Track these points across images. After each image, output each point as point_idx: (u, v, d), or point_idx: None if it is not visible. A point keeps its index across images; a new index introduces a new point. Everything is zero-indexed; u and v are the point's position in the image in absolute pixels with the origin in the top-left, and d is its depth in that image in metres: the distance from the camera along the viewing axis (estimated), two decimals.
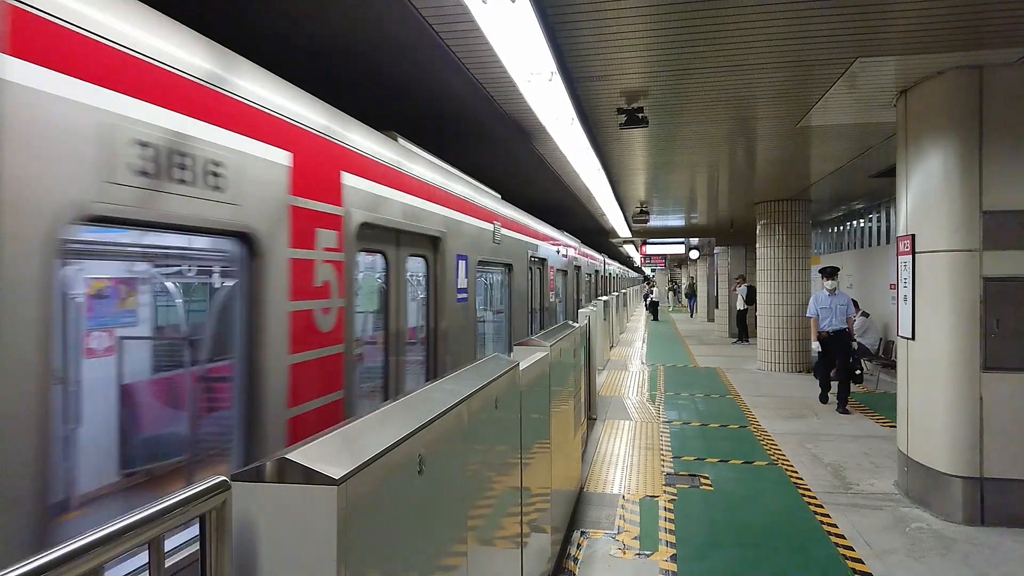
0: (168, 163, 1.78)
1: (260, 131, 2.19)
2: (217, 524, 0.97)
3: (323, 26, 3.73)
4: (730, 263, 18.44)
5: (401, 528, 1.39)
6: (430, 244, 4.00)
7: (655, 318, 26.36)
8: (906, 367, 4.93)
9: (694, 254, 23.59)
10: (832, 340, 8.16)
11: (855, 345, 8.30)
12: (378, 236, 3.22)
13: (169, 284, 3.49)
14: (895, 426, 5.21)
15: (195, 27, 1.95)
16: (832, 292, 8.16)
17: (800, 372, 10.97)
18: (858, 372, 8.16)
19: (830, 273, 8.28)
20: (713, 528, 4.33)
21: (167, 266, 3.39)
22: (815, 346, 8.36)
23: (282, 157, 2.31)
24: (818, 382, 8.57)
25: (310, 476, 1.07)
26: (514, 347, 3.35)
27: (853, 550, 3.97)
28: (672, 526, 4.35)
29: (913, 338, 4.78)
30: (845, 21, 3.63)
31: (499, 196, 6.07)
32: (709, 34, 3.80)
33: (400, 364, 3.55)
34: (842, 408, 7.91)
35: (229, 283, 2.50)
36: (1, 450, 1.30)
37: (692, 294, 29.69)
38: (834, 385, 8.28)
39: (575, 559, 3.84)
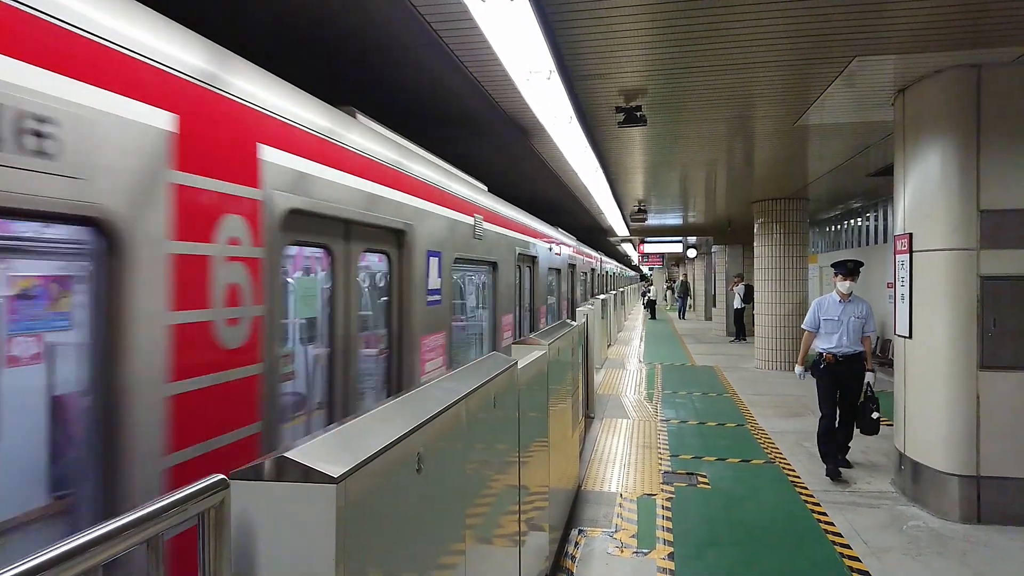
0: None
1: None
2: (215, 523, 0.96)
3: (321, 23, 3.72)
4: (727, 262, 18.46)
5: (400, 526, 1.39)
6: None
7: (652, 316, 26.38)
8: (903, 366, 4.94)
9: (692, 253, 23.58)
10: (841, 368, 5.40)
11: (871, 378, 5.42)
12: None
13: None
14: (892, 424, 5.22)
15: (193, 17, 1.94)
16: (846, 297, 5.55)
17: None
18: (874, 417, 5.24)
19: (851, 270, 5.52)
20: (710, 526, 4.34)
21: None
22: (798, 371, 5.81)
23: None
24: (818, 447, 5.57)
25: (309, 474, 1.07)
26: (512, 345, 3.36)
27: (850, 548, 3.98)
28: (670, 524, 4.35)
29: (910, 337, 4.79)
30: (843, 20, 3.63)
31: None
32: (707, 33, 3.80)
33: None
34: (839, 463, 5.46)
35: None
36: None
37: (685, 293, 27.49)
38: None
39: (573, 557, 3.84)
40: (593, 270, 14.99)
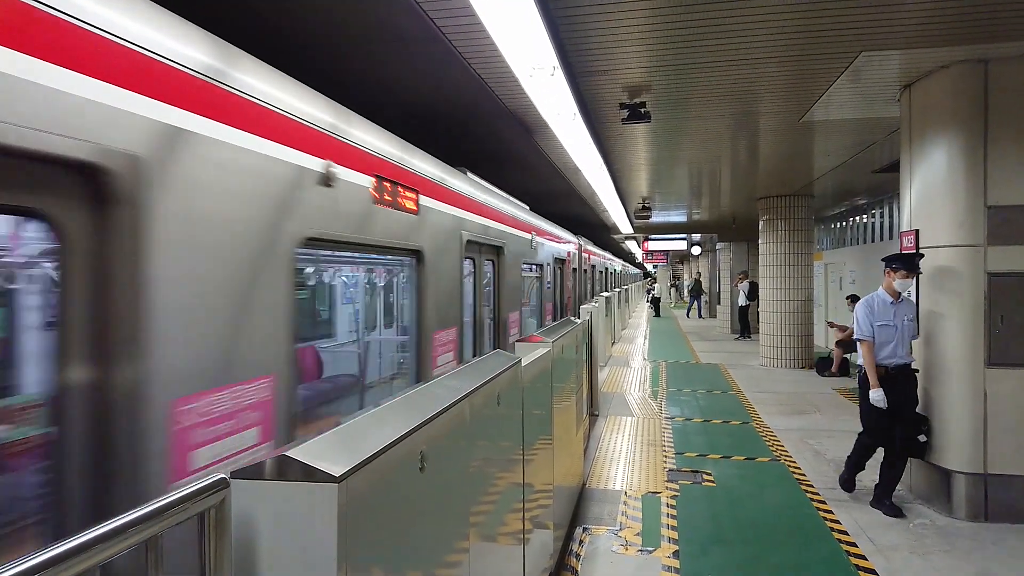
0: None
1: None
2: (216, 522, 0.96)
3: (322, 18, 3.71)
4: (732, 259, 18.41)
5: (402, 525, 1.38)
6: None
7: (657, 314, 26.32)
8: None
9: (696, 250, 23.53)
10: (895, 384, 4.50)
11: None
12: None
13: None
14: None
15: (193, 11, 1.93)
16: (898, 297, 4.59)
17: (803, 368, 10.95)
18: (923, 438, 4.49)
19: (915, 265, 4.50)
20: (716, 524, 4.32)
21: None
22: (876, 396, 4.46)
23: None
24: (850, 459, 4.87)
25: (310, 473, 1.06)
26: (516, 343, 3.35)
27: (856, 546, 3.96)
28: (674, 522, 4.34)
29: (917, 334, 4.75)
30: (849, 15, 3.60)
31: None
32: (712, 28, 3.77)
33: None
34: (882, 503, 4.50)
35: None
36: None
37: (697, 292, 25.14)
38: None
39: (577, 555, 3.84)
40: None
